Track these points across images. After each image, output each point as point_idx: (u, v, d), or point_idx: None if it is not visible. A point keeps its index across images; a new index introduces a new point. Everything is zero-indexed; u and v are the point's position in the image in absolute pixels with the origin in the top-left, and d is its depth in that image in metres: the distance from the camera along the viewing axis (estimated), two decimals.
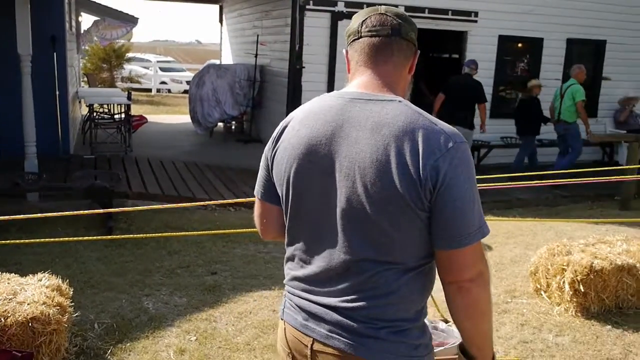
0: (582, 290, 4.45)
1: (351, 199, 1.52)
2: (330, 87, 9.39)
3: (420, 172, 1.45)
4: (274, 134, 1.71)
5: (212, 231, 5.94)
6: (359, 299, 1.55)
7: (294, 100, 9.30)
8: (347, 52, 1.69)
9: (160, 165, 9.12)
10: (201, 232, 5.87)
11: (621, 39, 11.24)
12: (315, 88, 9.30)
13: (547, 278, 4.76)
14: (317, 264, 1.62)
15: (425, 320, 1.65)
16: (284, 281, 1.77)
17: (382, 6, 1.67)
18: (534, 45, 10.81)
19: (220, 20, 16.65)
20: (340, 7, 9.26)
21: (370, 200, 1.50)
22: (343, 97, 1.61)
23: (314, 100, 1.69)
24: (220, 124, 12.91)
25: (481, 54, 10.20)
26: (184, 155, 10.18)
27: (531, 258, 5.07)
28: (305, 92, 9.30)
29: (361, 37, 1.63)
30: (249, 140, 11.77)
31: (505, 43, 10.52)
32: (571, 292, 4.51)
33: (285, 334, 1.72)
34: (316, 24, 9.26)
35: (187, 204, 6.47)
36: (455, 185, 1.47)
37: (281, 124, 1.72)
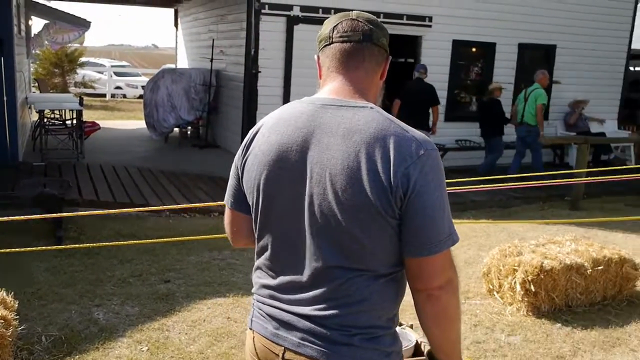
0: (533, 290, 4.54)
1: (322, 206, 1.51)
2: (287, 92, 9.37)
3: (392, 179, 1.45)
4: (244, 142, 1.68)
5: (166, 239, 5.84)
6: (331, 307, 1.54)
7: (250, 105, 9.25)
8: (318, 57, 1.68)
9: (113, 172, 8.94)
10: (154, 239, 5.77)
11: (570, 44, 11.54)
12: (271, 93, 9.27)
13: (499, 279, 4.83)
14: (288, 272, 1.61)
15: None
16: (253, 290, 1.74)
17: (354, 11, 1.66)
18: (487, 50, 11.00)
19: (176, 25, 16.46)
20: (296, 11, 9.26)
21: (341, 207, 1.49)
22: (314, 103, 1.60)
23: (284, 107, 1.67)
24: (176, 129, 12.74)
25: (436, 59, 10.34)
26: (138, 161, 10.01)
27: (484, 259, 5.15)
28: (262, 97, 9.26)
29: (332, 42, 1.62)
30: (204, 145, 11.66)
31: (459, 48, 10.68)
32: (522, 292, 4.59)
33: (254, 344, 1.69)
34: (272, 28, 9.23)
35: (139, 208, 6.35)
36: (426, 193, 1.46)
37: (251, 131, 1.70)
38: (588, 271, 4.70)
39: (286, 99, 9.32)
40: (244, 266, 5.39)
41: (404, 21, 9.91)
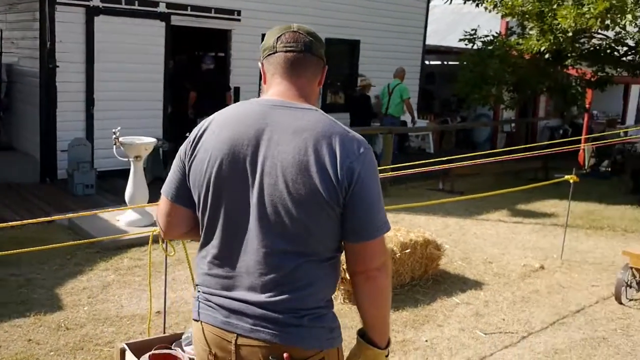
0: (348, 277, 4.68)
1: (273, 196, 1.64)
2: (90, 89, 8.73)
3: (338, 172, 1.62)
4: (191, 138, 1.76)
5: None
6: (281, 292, 1.67)
7: (49, 103, 8.49)
8: (262, 64, 1.83)
9: None
10: None
11: (373, 39, 12.19)
12: (73, 89, 8.61)
13: None
14: (237, 261, 1.71)
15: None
16: (197, 281, 1.81)
17: (295, 24, 1.82)
18: None
19: None
20: (96, 1, 8.66)
21: (292, 197, 1.63)
22: (263, 104, 1.74)
23: (233, 106, 1.80)
24: None
25: (247, 52, 10.31)
26: None
27: None
28: (62, 94, 8.54)
29: (277, 52, 1.78)
30: None
31: None
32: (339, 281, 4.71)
33: (204, 334, 1.76)
34: (70, 19, 8.52)
35: None
36: (367, 185, 1.66)
37: (198, 127, 1.78)
38: (397, 255, 4.97)
39: (89, 95, 8.72)
40: (47, 280, 4.92)
41: (212, 14, 9.73)
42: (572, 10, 7.16)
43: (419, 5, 13.09)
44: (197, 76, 9.73)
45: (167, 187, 1.83)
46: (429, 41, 14.33)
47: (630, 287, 5.15)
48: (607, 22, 7.12)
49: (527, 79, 10.56)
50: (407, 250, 5.05)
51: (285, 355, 1.66)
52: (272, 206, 1.65)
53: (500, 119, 14.52)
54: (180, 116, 9.81)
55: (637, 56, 10.41)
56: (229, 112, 1.77)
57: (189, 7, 9.41)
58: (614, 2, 6.92)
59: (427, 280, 5.32)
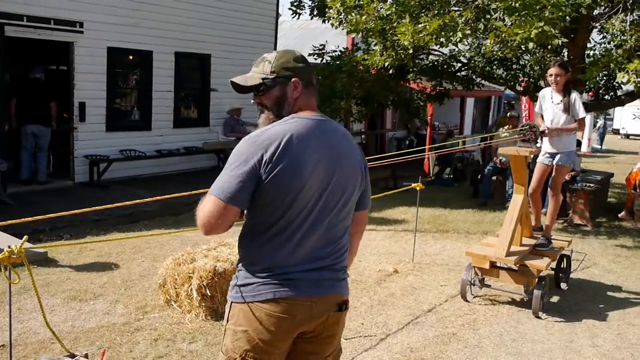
0: (209, 294, 4.61)
1: (348, 190, 2.22)
2: None
3: (363, 163, 2.31)
4: (271, 152, 2.03)
5: None
6: (341, 258, 2.25)
7: None
8: (299, 83, 2.19)
9: None
10: None
11: (224, 54, 12.15)
12: None
13: (175, 288, 4.79)
14: (317, 243, 2.15)
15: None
16: (269, 265, 2.11)
17: (297, 52, 2.29)
18: (144, 58, 10.88)
19: None
20: None
21: (357, 186, 2.27)
22: (312, 118, 2.17)
23: (295, 123, 2.12)
24: None
25: (91, 66, 9.84)
26: None
27: (159, 270, 5.05)
28: None
29: (297, 77, 2.20)
30: None
31: (115, 55, 10.32)
32: (199, 298, 4.62)
33: (288, 305, 2.09)
34: None
35: None
36: (367, 170, 2.36)
37: (272, 143, 2.04)
38: None
39: None
40: None
41: (52, 26, 9.14)
42: (409, 28, 7.62)
43: (268, 20, 13.27)
44: (24, 85, 9.49)
45: (224, 192, 2.04)
46: None
47: (474, 285, 5.54)
48: (442, 39, 7.66)
49: (373, 92, 11.04)
50: None
51: (346, 301, 2.27)
52: (348, 197, 2.22)
53: (351, 131, 15.07)
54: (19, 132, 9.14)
55: (470, 71, 11.31)
56: (298, 129, 2.10)
57: (25, 18, 8.78)
58: (447, 21, 7.47)
59: None
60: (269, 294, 2.08)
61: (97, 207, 4.35)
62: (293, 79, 2.17)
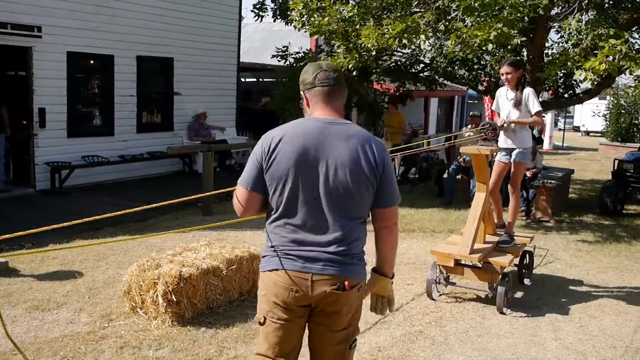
0: (175, 299, 4.56)
1: (336, 181, 2.47)
2: None
3: (377, 161, 2.51)
4: (268, 146, 2.50)
5: None
6: (343, 245, 2.51)
7: None
8: (305, 95, 2.65)
9: None
10: None
11: (187, 57, 12.06)
12: None
13: (141, 295, 4.73)
14: (311, 226, 2.49)
15: None
16: (274, 243, 2.55)
17: (323, 63, 2.66)
18: (105, 62, 10.75)
19: None
20: None
21: (350, 179, 2.47)
22: (320, 121, 2.54)
23: (295, 123, 2.57)
24: None
25: (50, 71, 9.67)
26: None
27: (124, 277, 4.98)
28: None
29: (315, 86, 2.60)
30: None
31: (76, 60, 10.15)
32: (165, 304, 4.57)
33: (289, 277, 2.49)
34: None
35: None
36: (390, 169, 2.57)
37: (269, 139, 2.52)
38: (224, 272, 4.94)
39: None
40: None
41: (9, 30, 8.95)
42: (373, 31, 7.67)
43: (231, 23, 13.22)
44: None
45: (245, 180, 2.55)
46: (244, 59, 14.52)
47: (439, 283, 5.60)
48: (405, 41, 7.74)
49: None
50: (234, 267, 5.03)
51: (346, 282, 2.49)
52: (335, 187, 2.46)
53: None
54: None
55: (433, 72, 11.45)
56: (294, 127, 2.53)
57: None
58: (409, 24, 7.55)
59: (255, 294, 5.33)
60: (273, 265, 2.53)
61: (86, 219, 4.27)
62: (302, 93, 2.67)
